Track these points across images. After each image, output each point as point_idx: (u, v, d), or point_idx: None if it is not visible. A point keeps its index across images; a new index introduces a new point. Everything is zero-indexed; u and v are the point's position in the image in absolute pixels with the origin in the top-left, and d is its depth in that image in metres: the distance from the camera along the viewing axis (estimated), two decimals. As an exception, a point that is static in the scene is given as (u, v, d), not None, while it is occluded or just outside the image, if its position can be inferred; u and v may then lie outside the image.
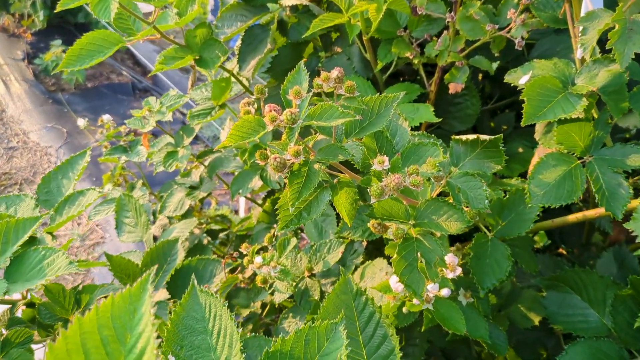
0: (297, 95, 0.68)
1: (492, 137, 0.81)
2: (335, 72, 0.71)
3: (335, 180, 0.79)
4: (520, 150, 1.21)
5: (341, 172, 0.79)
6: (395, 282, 0.83)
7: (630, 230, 1.13)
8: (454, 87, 1.05)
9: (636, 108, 0.83)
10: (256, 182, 1.32)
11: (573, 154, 0.83)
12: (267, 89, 1.07)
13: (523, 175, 1.12)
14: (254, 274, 1.39)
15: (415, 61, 1.12)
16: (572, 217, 0.95)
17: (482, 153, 0.85)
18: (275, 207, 1.48)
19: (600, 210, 0.90)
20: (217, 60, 1.16)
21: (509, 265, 0.89)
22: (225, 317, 0.71)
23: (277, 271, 1.02)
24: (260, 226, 1.49)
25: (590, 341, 0.89)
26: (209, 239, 1.60)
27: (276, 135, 1.33)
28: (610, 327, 0.91)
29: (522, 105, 0.81)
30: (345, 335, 0.73)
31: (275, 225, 1.48)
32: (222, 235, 1.73)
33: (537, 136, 0.91)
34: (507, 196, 0.91)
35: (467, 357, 1.30)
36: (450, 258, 0.80)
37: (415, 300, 0.82)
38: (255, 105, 0.74)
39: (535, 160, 1.00)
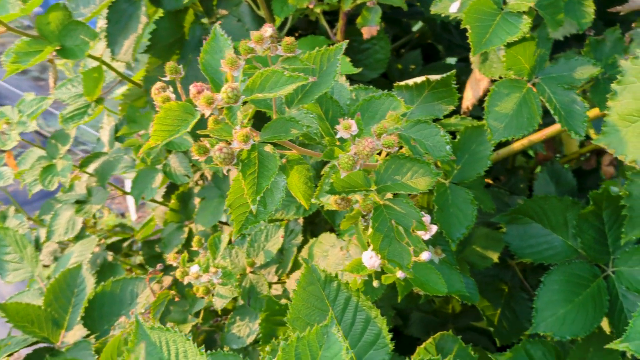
0: (234, 66, 0.54)
1: (444, 75, 0.73)
2: (269, 30, 0.58)
3: (283, 160, 0.66)
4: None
5: (287, 149, 0.67)
6: (369, 259, 0.73)
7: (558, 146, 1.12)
8: (368, 31, 0.95)
9: (573, 17, 0.78)
10: (159, 180, 1.14)
11: (522, 78, 0.78)
12: (152, 70, 0.91)
13: (454, 112, 1.06)
14: (176, 281, 1.24)
15: (318, 10, 1.00)
16: (518, 145, 0.91)
17: (431, 96, 0.76)
18: (184, 204, 1.32)
19: (546, 131, 0.86)
20: (86, 47, 0.96)
21: (473, 209, 0.82)
22: (192, 352, 0.57)
23: (220, 276, 0.88)
24: (171, 227, 1.32)
25: (563, 267, 0.86)
26: (113, 254, 1.40)
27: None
28: (578, 247, 0.89)
29: (467, 34, 0.73)
30: (341, 336, 0.62)
31: (187, 223, 1.32)
32: (125, 245, 1.53)
33: (475, 66, 0.84)
34: (458, 137, 0.84)
35: (422, 309, 1.26)
36: (425, 218, 0.72)
37: (400, 273, 0.73)
38: (171, 89, 0.59)
39: (468, 93, 0.94)
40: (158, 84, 0.58)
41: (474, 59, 0.84)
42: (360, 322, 0.75)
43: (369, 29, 0.95)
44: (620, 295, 0.85)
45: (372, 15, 0.94)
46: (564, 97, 0.76)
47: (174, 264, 0.91)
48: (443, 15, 0.80)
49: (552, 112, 0.75)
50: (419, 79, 0.74)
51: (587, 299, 0.84)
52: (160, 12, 1.06)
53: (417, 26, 1.42)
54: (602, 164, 1.08)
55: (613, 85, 0.67)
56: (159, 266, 1.04)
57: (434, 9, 0.82)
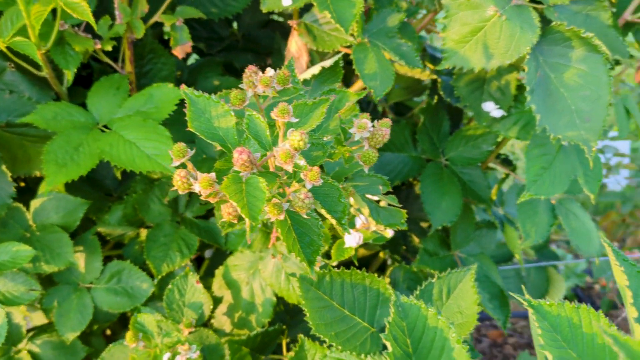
0: (288, 114, 0.52)
1: (334, 60, 0.80)
2: (270, 70, 0.56)
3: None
4: (217, 82, 1.17)
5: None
6: (353, 238, 0.79)
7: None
8: (182, 50, 0.91)
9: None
10: (2, 315, 0.90)
11: (361, 40, 0.90)
12: None
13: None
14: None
15: (109, 47, 0.91)
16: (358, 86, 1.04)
17: (318, 82, 0.83)
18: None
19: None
20: None
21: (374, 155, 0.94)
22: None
23: (195, 349, 0.80)
24: None
25: (425, 173, 1.07)
26: None
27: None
28: (423, 155, 1.10)
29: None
30: (414, 298, 0.69)
31: (17, 348, 1.07)
32: None
33: (311, 45, 0.91)
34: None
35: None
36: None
37: (390, 232, 0.81)
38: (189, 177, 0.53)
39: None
40: (182, 172, 0.51)
41: (307, 39, 0.91)
42: (360, 295, 0.82)
43: (182, 47, 0.92)
44: (459, 173, 1.10)
45: (181, 33, 0.91)
46: (392, 43, 0.92)
47: (132, 373, 0.79)
48: (277, 11, 0.85)
49: (393, 58, 0.90)
50: (315, 70, 0.79)
51: (449, 187, 1.07)
52: None
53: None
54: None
55: (441, 20, 0.86)
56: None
57: (265, 7, 0.85)
